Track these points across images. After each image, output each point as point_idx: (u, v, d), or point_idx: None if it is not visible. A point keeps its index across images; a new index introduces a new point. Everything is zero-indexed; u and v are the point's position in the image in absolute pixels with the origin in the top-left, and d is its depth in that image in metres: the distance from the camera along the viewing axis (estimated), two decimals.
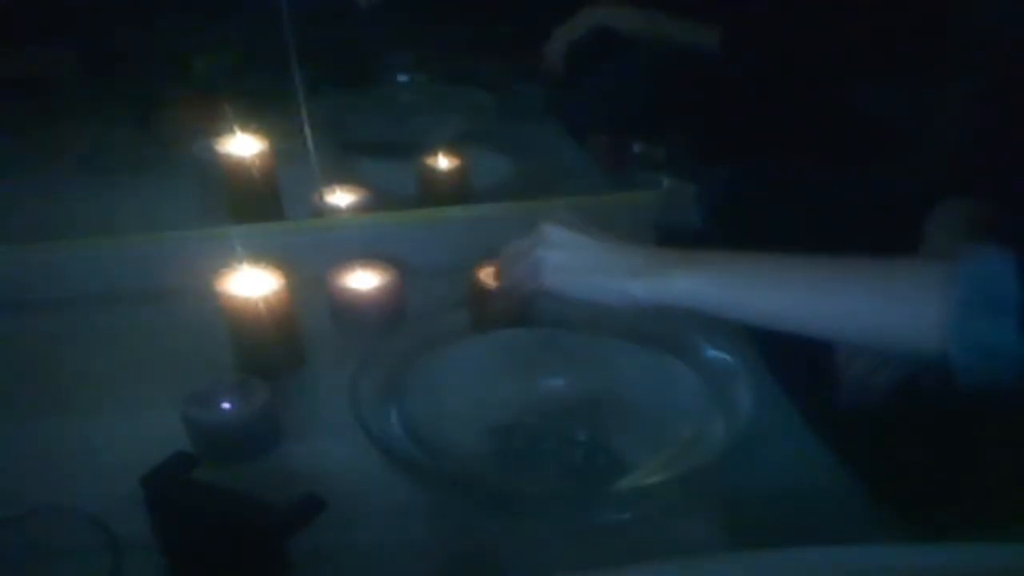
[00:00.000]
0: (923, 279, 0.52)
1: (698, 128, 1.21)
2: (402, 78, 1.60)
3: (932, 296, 0.51)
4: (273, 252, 0.90)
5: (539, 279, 0.66)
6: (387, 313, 0.97)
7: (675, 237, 1.06)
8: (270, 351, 0.89)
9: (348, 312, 0.97)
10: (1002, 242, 0.50)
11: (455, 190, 1.19)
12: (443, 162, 1.18)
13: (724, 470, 0.72)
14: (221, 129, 1.11)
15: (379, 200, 1.15)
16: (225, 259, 0.88)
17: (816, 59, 1.22)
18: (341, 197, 1.13)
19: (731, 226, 0.96)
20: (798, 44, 1.24)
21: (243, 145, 1.10)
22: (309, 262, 0.96)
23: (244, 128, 1.10)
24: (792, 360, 0.80)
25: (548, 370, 0.87)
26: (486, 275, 0.93)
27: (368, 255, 0.98)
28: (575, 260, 0.64)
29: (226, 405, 0.79)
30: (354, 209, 1.13)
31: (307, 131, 1.07)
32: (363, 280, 0.96)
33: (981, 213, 0.80)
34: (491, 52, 1.62)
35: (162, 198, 1.24)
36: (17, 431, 0.84)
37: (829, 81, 1.26)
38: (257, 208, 1.12)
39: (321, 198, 1.12)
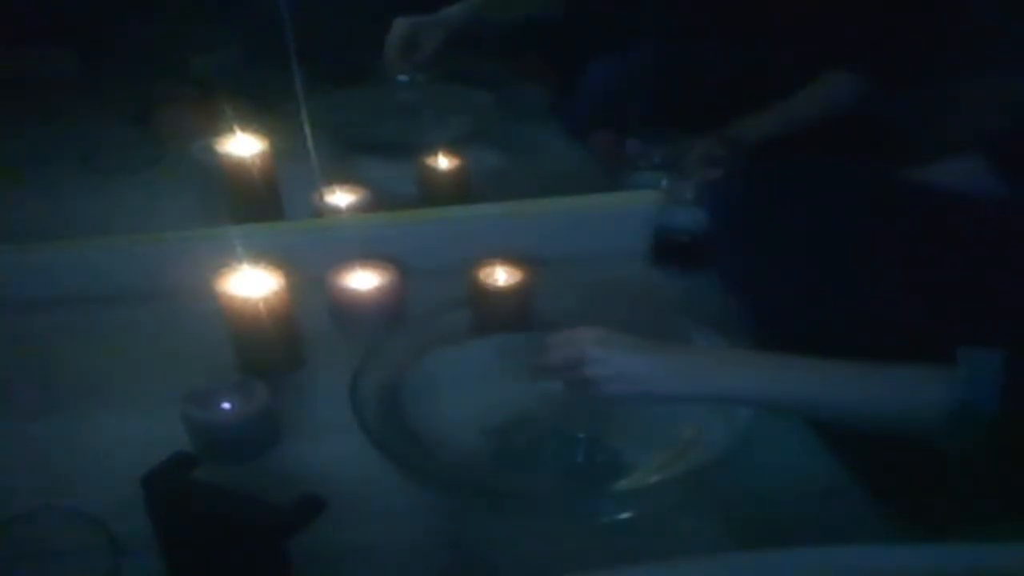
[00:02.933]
0: (927, 388, 0.62)
1: (698, 127, 1.21)
2: (402, 78, 1.60)
3: (935, 402, 0.62)
4: (273, 252, 0.90)
5: (591, 394, 0.71)
6: (387, 313, 0.97)
7: (675, 237, 1.06)
8: (270, 351, 0.89)
9: (348, 312, 0.97)
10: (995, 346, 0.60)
11: (455, 190, 1.19)
12: (443, 162, 1.19)
13: (724, 470, 0.72)
14: (221, 129, 1.11)
15: (379, 200, 1.15)
16: (225, 259, 0.88)
17: (818, 57, 1.22)
18: (341, 197, 1.13)
19: (733, 226, 0.96)
20: (799, 42, 1.24)
21: (243, 145, 1.10)
22: (309, 262, 0.96)
23: (244, 128, 1.10)
24: None
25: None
26: (486, 275, 0.93)
27: (368, 255, 0.98)
28: (624, 373, 0.70)
29: (226, 405, 0.79)
30: (354, 209, 1.13)
31: (307, 131, 1.07)
32: (363, 280, 0.96)
33: None
34: (491, 52, 1.62)
35: (162, 198, 1.24)
36: (17, 431, 0.84)
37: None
38: (257, 208, 1.12)
39: (321, 198, 1.12)
